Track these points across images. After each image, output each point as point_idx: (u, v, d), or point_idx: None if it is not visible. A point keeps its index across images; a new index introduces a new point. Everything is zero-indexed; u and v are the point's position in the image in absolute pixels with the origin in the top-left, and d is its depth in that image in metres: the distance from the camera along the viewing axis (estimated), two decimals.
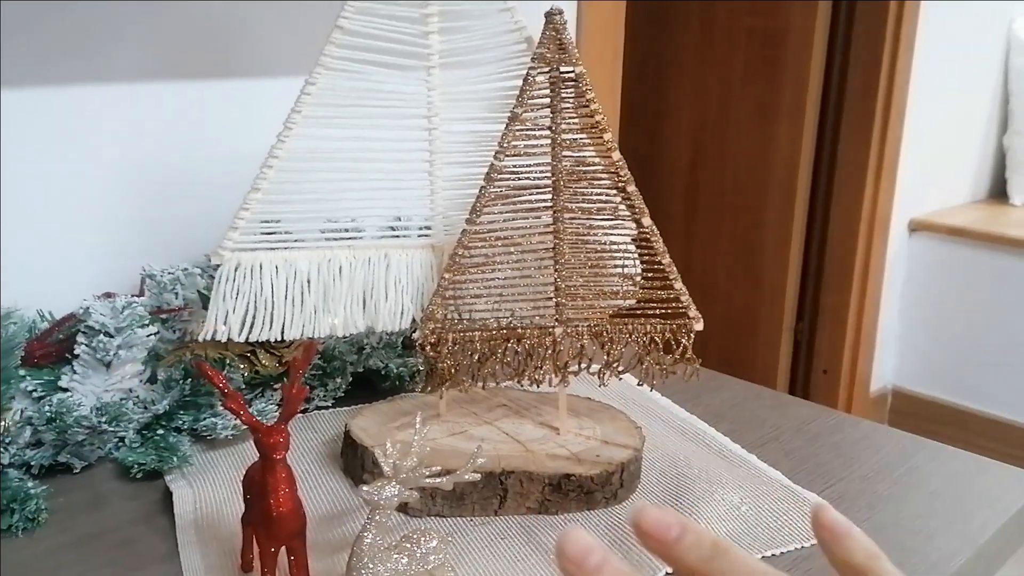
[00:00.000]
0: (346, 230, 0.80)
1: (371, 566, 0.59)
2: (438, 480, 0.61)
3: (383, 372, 0.94)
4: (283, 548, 0.60)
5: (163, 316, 0.90)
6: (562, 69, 0.74)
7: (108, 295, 0.91)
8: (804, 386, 2.33)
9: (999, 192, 2.58)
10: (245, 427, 0.83)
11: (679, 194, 2.33)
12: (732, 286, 2.22)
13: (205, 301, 0.91)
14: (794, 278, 2.26)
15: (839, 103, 2.19)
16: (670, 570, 0.64)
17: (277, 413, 0.84)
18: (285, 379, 0.89)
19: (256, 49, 1.07)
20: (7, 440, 0.76)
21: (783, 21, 2.16)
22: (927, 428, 2.36)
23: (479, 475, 0.64)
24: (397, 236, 0.80)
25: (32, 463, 0.78)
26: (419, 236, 0.81)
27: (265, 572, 0.58)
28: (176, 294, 0.92)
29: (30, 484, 0.74)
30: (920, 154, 2.27)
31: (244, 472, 0.64)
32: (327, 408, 0.92)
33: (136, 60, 0.99)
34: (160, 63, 1.01)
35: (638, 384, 0.78)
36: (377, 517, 0.60)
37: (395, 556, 0.61)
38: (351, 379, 0.94)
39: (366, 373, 0.95)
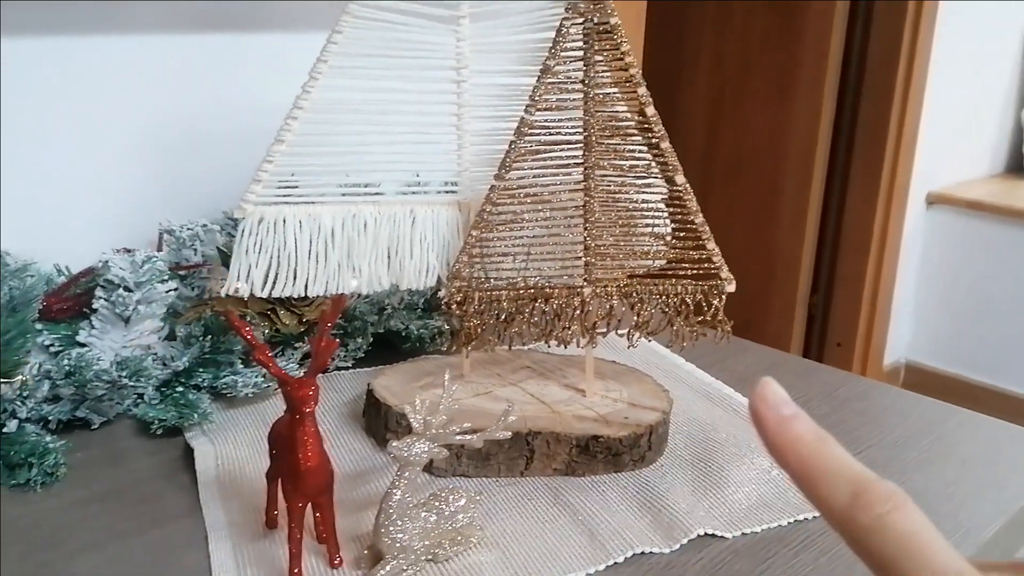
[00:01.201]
0: (368, 185, 0.79)
1: (399, 523, 0.58)
2: (469, 437, 0.60)
3: (404, 333, 0.93)
4: (309, 506, 0.59)
5: (182, 273, 0.89)
6: (596, 20, 0.72)
7: (126, 250, 0.90)
8: (817, 359, 2.32)
9: (1017, 166, 2.55)
10: (266, 386, 0.83)
11: (695, 164, 2.30)
12: (747, 257, 2.20)
13: (224, 258, 0.90)
14: (810, 250, 2.24)
15: (859, 74, 2.16)
16: (702, 531, 0.63)
17: (299, 373, 0.83)
18: (306, 337, 0.87)
19: (280, 3, 1.05)
20: (24, 394, 0.75)
21: None
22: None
23: (509, 433, 0.62)
24: (423, 192, 0.78)
25: (50, 418, 0.77)
26: (446, 192, 0.79)
27: (292, 528, 0.57)
28: (195, 250, 0.90)
29: (48, 439, 0.73)
30: (939, 127, 2.24)
31: (269, 428, 0.63)
32: (347, 369, 0.90)
33: (157, 11, 0.97)
34: (181, 15, 0.98)
35: (668, 345, 0.77)
36: (406, 474, 0.58)
37: (423, 514, 0.60)
38: (372, 340, 0.92)
39: (387, 334, 0.94)
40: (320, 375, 0.85)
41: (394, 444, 0.58)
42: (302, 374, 0.81)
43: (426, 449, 0.59)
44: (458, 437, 0.59)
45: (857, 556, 0.26)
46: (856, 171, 2.19)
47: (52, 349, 0.81)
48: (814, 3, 2.10)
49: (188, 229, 0.89)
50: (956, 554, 0.26)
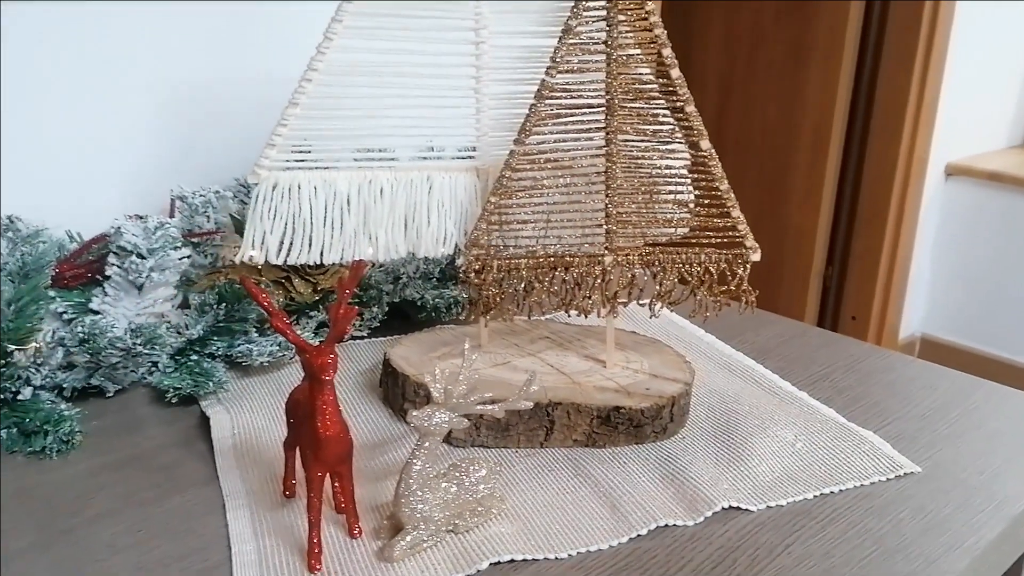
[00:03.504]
0: (383, 151, 0.77)
1: (419, 493, 0.57)
2: (490, 407, 0.59)
3: (419, 303, 0.92)
4: (328, 475, 0.58)
5: (194, 240, 0.87)
6: None
7: (138, 216, 0.89)
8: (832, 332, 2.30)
9: None
10: (281, 354, 0.82)
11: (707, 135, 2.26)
12: (761, 230, 2.15)
13: (238, 225, 0.89)
14: (825, 222, 2.21)
15: (878, 43, 2.12)
16: (727, 504, 0.62)
17: (314, 341, 0.82)
18: (321, 306, 0.86)
19: None
20: (39, 361, 0.74)
21: None
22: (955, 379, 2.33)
23: (531, 403, 0.61)
24: (440, 158, 0.77)
25: (64, 386, 0.76)
26: (463, 158, 0.77)
27: (311, 498, 0.56)
28: (208, 217, 0.89)
29: (63, 406, 0.73)
30: (958, 98, 2.20)
31: (286, 397, 0.62)
32: (363, 338, 0.89)
33: None
34: None
35: (690, 316, 0.75)
36: (426, 444, 0.57)
37: (444, 484, 0.59)
38: (387, 309, 0.91)
39: (402, 304, 0.93)
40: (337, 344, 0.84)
41: (414, 414, 0.57)
42: (318, 341, 0.81)
43: (447, 419, 0.57)
44: (479, 407, 0.58)
45: None
46: (873, 142, 2.15)
47: (65, 316, 0.80)
48: None
49: (200, 195, 0.88)
50: None
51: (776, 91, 2.22)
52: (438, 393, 0.58)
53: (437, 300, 0.92)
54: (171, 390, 0.76)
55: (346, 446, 0.57)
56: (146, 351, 0.76)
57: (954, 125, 2.22)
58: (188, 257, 0.83)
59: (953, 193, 2.30)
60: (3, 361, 0.72)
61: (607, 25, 0.70)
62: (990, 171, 2.24)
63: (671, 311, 0.75)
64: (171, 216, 0.90)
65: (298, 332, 0.83)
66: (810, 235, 2.20)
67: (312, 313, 0.86)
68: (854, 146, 2.20)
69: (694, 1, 2.33)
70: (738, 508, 0.63)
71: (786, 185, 2.23)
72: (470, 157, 0.77)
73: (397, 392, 0.75)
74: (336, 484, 0.60)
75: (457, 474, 0.60)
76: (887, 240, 2.17)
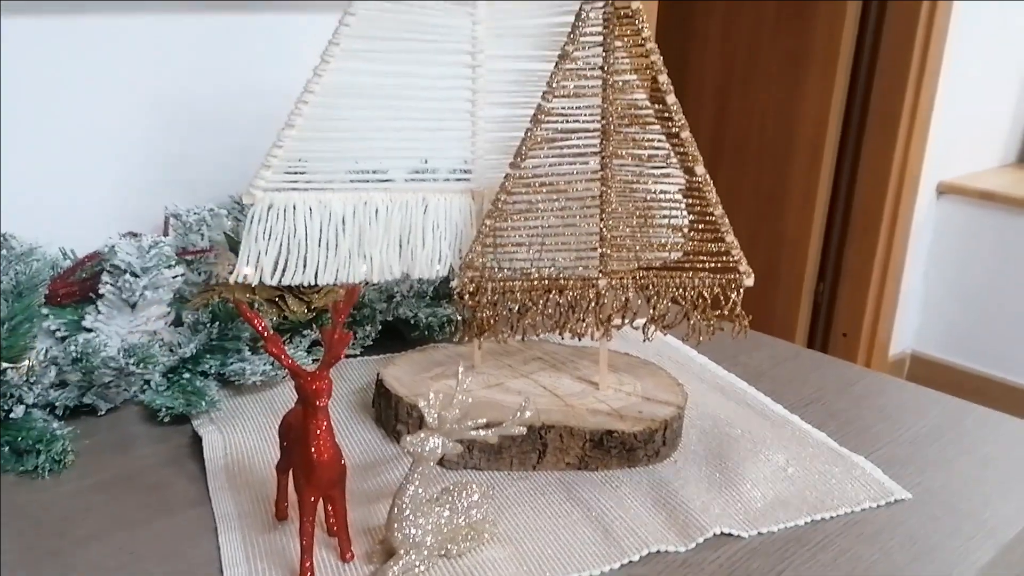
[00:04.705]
0: (377, 171, 0.77)
1: (412, 518, 0.57)
2: (483, 433, 0.59)
3: (412, 321, 0.92)
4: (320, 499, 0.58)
5: (188, 258, 0.87)
6: (617, 4, 0.70)
7: (132, 234, 0.89)
8: (823, 348, 2.30)
9: None
10: (273, 374, 0.82)
11: (702, 147, 2.24)
12: (753, 244, 2.16)
13: (231, 243, 0.89)
14: (817, 238, 2.22)
15: (872, 59, 2.13)
16: (718, 531, 0.62)
17: (307, 360, 0.82)
18: (314, 325, 0.86)
19: None
20: (31, 380, 0.74)
21: None
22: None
23: (524, 429, 0.61)
24: (435, 180, 0.77)
25: (56, 404, 0.76)
26: (458, 180, 0.77)
27: (303, 522, 0.56)
28: (202, 235, 0.89)
29: (55, 425, 0.72)
30: (951, 116, 2.22)
31: (280, 419, 0.62)
32: (355, 356, 0.89)
33: None
34: None
35: (684, 339, 0.75)
36: (420, 469, 0.57)
37: (436, 509, 0.59)
38: (380, 328, 0.91)
39: (395, 322, 0.93)
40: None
41: (408, 439, 0.57)
42: (311, 361, 0.81)
43: (440, 444, 0.57)
44: (473, 433, 0.58)
45: None
46: (866, 159, 2.16)
47: (58, 334, 0.80)
48: None
49: (195, 214, 0.88)
50: None
51: (772, 103, 2.23)
52: (432, 418, 0.58)
53: (430, 319, 0.92)
54: (163, 409, 0.76)
55: (339, 470, 0.57)
56: (139, 370, 0.75)
57: (947, 144, 2.24)
58: (182, 275, 0.83)
59: (945, 211, 2.32)
60: None
61: (604, 51, 0.71)
62: (981, 190, 2.26)
63: (664, 335, 0.76)
64: (165, 234, 0.90)
65: (292, 350, 0.84)
66: (803, 250, 2.21)
67: (305, 332, 0.86)
68: (847, 163, 2.21)
69: (692, 2, 2.34)
70: (730, 534, 0.63)
71: (782, 199, 2.24)
72: (465, 179, 0.77)
73: (390, 413, 0.75)
74: (329, 507, 0.60)
75: (450, 498, 0.60)
76: (878, 257, 2.18)
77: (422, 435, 0.58)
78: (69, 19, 0.90)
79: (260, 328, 0.56)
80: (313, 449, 0.55)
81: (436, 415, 0.58)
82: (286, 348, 0.83)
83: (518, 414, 0.60)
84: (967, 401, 0.85)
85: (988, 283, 2.29)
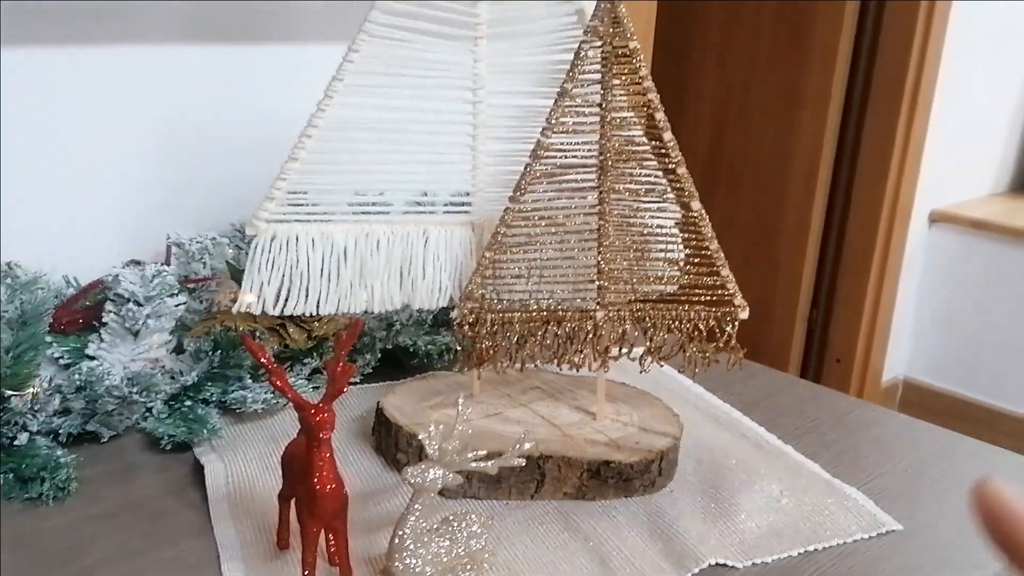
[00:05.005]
0: (379, 203, 0.79)
1: (412, 548, 0.58)
2: (484, 465, 0.60)
3: (412, 349, 0.93)
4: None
5: (190, 286, 0.88)
6: (615, 44, 0.72)
7: (135, 262, 0.90)
8: (816, 374, 2.32)
9: (1021, 186, 2.55)
10: (274, 401, 0.83)
11: (698, 177, 2.26)
12: (748, 272, 2.19)
13: (233, 271, 0.90)
14: (811, 266, 2.24)
15: (865, 91, 2.16)
16: (713, 561, 0.63)
17: (308, 388, 0.83)
18: (315, 353, 0.87)
19: (288, 14, 1.05)
20: (36, 408, 0.75)
21: (810, 5, 2.12)
22: (937, 420, 2.34)
23: (524, 461, 0.62)
24: (436, 212, 0.78)
25: (60, 431, 0.77)
26: (459, 213, 0.79)
27: (305, 553, 0.57)
28: (204, 263, 0.90)
29: (59, 452, 0.73)
30: (944, 145, 2.24)
31: (283, 449, 0.62)
32: (355, 384, 0.90)
33: (167, 21, 0.96)
34: (191, 25, 0.98)
35: (680, 371, 0.77)
36: (421, 500, 0.58)
37: (436, 539, 0.60)
38: (380, 356, 0.92)
39: (395, 350, 0.94)
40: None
41: (409, 471, 0.58)
42: (312, 389, 0.82)
43: (441, 476, 0.59)
44: (473, 465, 0.59)
45: None
46: (859, 187, 2.19)
47: (62, 362, 0.81)
48: (821, 18, 2.11)
49: (197, 242, 0.89)
50: None
51: (767, 133, 2.25)
52: (432, 450, 0.59)
53: (430, 347, 0.93)
54: (166, 437, 0.77)
55: (341, 502, 0.58)
56: (141, 399, 0.76)
57: (939, 172, 2.26)
58: (184, 304, 0.84)
59: (937, 240, 2.34)
60: (0, 407, 0.73)
61: (602, 89, 0.72)
62: (973, 219, 2.28)
63: (661, 366, 0.77)
64: (167, 262, 0.91)
65: (292, 379, 0.84)
66: (797, 278, 2.23)
67: (306, 360, 0.87)
68: (840, 192, 2.23)
69: (688, 37, 2.37)
70: (725, 565, 0.64)
71: (777, 226, 2.26)
72: (466, 212, 0.79)
73: (390, 442, 0.76)
74: (330, 537, 0.60)
75: (450, 528, 0.61)
76: (871, 284, 2.20)
77: (423, 466, 0.59)
78: (73, 50, 0.91)
79: (265, 361, 0.57)
80: (316, 481, 0.56)
81: (437, 447, 0.59)
82: (288, 375, 0.85)
83: (517, 446, 0.62)
84: (958, 433, 0.86)
85: (979, 311, 2.31)
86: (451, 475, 0.59)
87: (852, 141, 2.19)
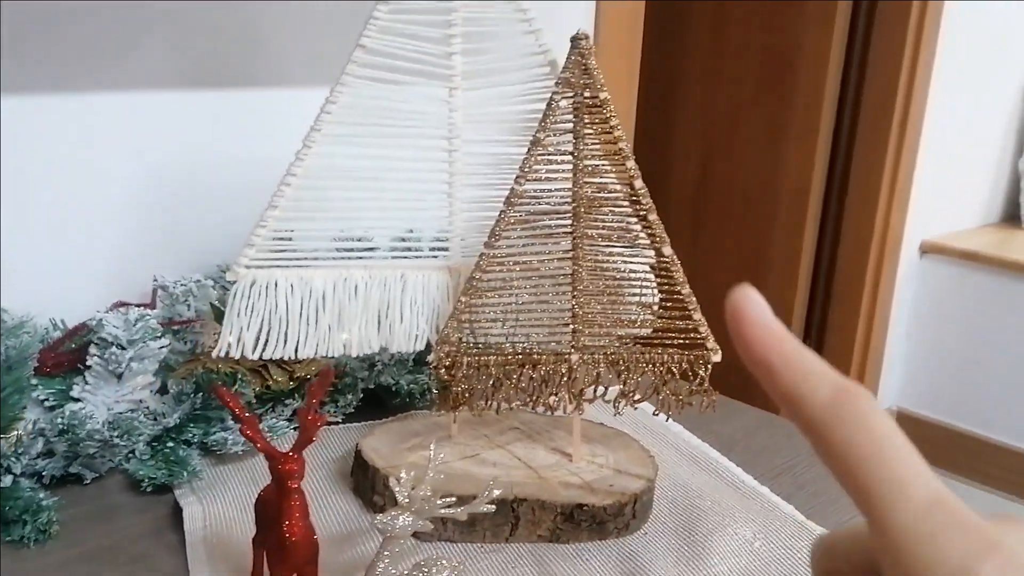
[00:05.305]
0: (362, 249, 0.80)
1: None
2: (453, 511, 0.61)
3: (394, 388, 0.94)
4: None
5: (175, 328, 0.90)
6: (586, 95, 0.73)
7: (121, 304, 0.91)
8: None
9: (1013, 215, 2.56)
10: None
11: (686, 212, 2.32)
12: None
13: (217, 313, 0.91)
14: (802, 297, 2.25)
15: (852, 123, 2.19)
16: None
17: (289, 429, 0.84)
18: (297, 395, 0.88)
19: (272, 59, 1.07)
20: (20, 450, 0.76)
21: (796, 39, 2.15)
22: (930, 452, 2.33)
23: (494, 507, 0.63)
24: (413, 257, 0.80)
25: (43, 473, 0.78)
26: (436, 257, 0.80)
27: None
28: (188, 306, 0.91)
29: (41, 495, 0.74)
30: (933, 176, 2.26)
31: (257, 494, 0.63)
32: (337, 424, 0.91)
33: (150, 68, 0.98)
34: (174, 72, 1.00)
35: (654, 414, 0.78)
36: (391, 547, 0.59)
37: None
38: (362, 395, 0.93)
39: (377, 389, 0.95)
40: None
41: (378, 518, 0.59)
42: (293, 429, 0.83)
43: (410, 522, 0.59)
44: (443, 511, 0.60)
45: (827, 457, 0.25)
46: (849, 219, 2.21)
47: (47, 404, 0.82)
48: (807, 50, 2.13)
49: (182, 285, 0.91)
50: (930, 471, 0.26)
51: (755, 167, 2.27)
52: (403, 497, 0.60)
53: (412, 386, 0.94)
54: (146, 480, 0.78)
55: (312, 550, 0.59)
56: (122, 442, 0.77)
57: (929, 203, 2.28)
58: (167, 346, 0.85)
59: (928, 271, 2.35)
60: None
61: (574, 137, 0.74)
62: (964, 250, 2.29)
63: (635, 409, 0.78)
64: (153, 304, 0.93)
65: (273, 420, 0.86)
66: (788, 310, 2.23)
67: (288, 401, 0.88)
68: (829, 224, 2.25)
69: (673, 75, 2.40)
70: None
71: (766, 259, 2.28)
72: (443, 257, 0.80)
73: (367, 484, 0.77)
74: None
75: (420, 574, 0.62)
76: (862, 316, 2.21)
77: (393, 513, 0.59)
78: (63, 97, 0.93)
79: (237, 409, 0.58)
80: (286, 529, 0.57)
81: (407, 493, 0.60)
82: (269, 417, 0.86)
83: (487, 492, 0.62)
84: (937, 468, 0.86)
85: (972, 342, 2.31)
86: (421, 522, 0.60)
87: (841, 173, 2.21)
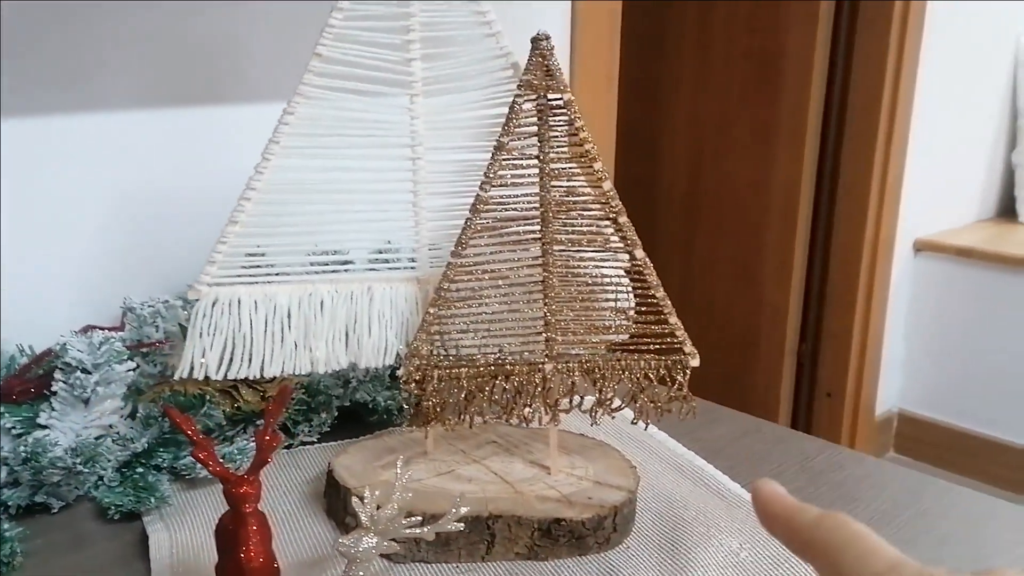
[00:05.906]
0: (328, 263, 0.78)
1: None
2: (419, 531, 0.58)
3: (371, 405, 0.92)
4: None
5: (143, 350, 0.88)
6: (550, 96, 0.71)
7: (89, 328, 0.89)
8: (807, 410, 2.29)
9: (1007, 210, 2.55)
10: (227, 466, 0.81)
11: (678, 217, 2.30)
12: (733, 308, 2.19)
13: (186, 334, 0.89)
14: (797, 299, 2.22)
15: (840, 123, 2.17)
16: None
17: None
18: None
19: (243, 77, 1.05)
20: None
21: (781, 42, 2.14)
22: (933, 453, 2.32)
23: (462, 525, 0.61)
24: (380, 269, 0.78)
25: (10, 503, 0.75)
26: (403, 269, 0.78)
27: None
28: (156, 327, 0.89)
29: (5, 526, 0.72)
30: (925, 173, 2.24)
31: (217, 520, 0.61)
32: (312, 443, 0.89)
33: (120, 88, 0.97)
34: (144, 91, 0.99)
35: (632, 422, 0.75)
36: (355, 570, 0.57)
37: None
38: (337, 413, 0.91)
39: (353, 406, 0.93)
40: (284, 451, 0.84)
41: (340, 540, 0.57)
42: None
43: (375, 544, 0.57)
44: (408, 531, 0.58)
45: None
46: (841, 219, 2.19)
47: (14, 432, 0.80)
48: (792, 51, 2.12)
49: (149, 306, 0.89)
50: None
51: (744, 171, 2.26)
52: (366, 517, 0.58)
53: (389, 402, 0.92)
54: (112, 507, 0.76)
55: (271, 575, 0.56)
56: (86, 470, 0.75)
57: (922, 200, 2.26)
58: (136, 368, 0.83)
59: (923, 269, 2.33)
60: None
61: (539, 141, 0.72)
62: (959, 246, 2.27)
63: (612, 417, 0.75)
64: (122, 326, 0.91)
65: (244, 442, 0.83)
66: (783, 313, 2.21)
67: (259, 421, 0.86)
68: (821, 224, 2.23)
69: (660, 76, 2.39)
70: None
71: (759, 262, 2.25)
72: (411, 268, 0.78)
73: (339, 504, 0.75)
74: None
75: None
76: (858, 316, 2.18)
77: (356, 535, 0.57)
78: (32, 120, 0.92)
79: (189, 432, 0.56)
80: (243, 555, 0.55)
81: (370, 514, 0.58)
82: (240, 438, 0.84)
83: (454, 510, 0.60)
84: (925, 475, 0.84)
85: (969, 340, 2.29)
86: (386, 543, 0.58)
87: (831, 173, 2.19)
